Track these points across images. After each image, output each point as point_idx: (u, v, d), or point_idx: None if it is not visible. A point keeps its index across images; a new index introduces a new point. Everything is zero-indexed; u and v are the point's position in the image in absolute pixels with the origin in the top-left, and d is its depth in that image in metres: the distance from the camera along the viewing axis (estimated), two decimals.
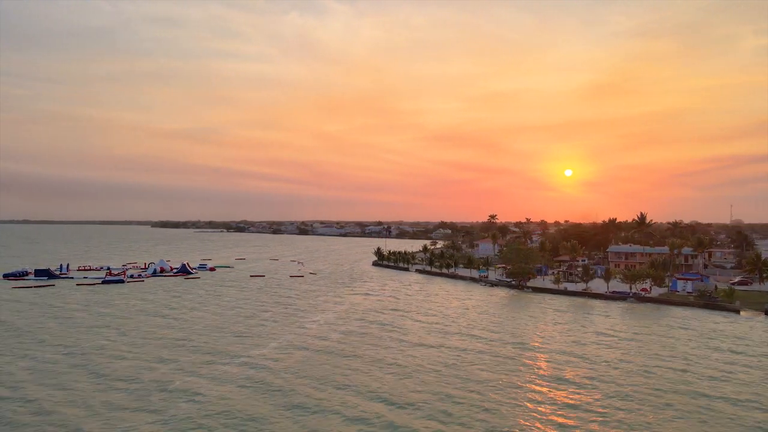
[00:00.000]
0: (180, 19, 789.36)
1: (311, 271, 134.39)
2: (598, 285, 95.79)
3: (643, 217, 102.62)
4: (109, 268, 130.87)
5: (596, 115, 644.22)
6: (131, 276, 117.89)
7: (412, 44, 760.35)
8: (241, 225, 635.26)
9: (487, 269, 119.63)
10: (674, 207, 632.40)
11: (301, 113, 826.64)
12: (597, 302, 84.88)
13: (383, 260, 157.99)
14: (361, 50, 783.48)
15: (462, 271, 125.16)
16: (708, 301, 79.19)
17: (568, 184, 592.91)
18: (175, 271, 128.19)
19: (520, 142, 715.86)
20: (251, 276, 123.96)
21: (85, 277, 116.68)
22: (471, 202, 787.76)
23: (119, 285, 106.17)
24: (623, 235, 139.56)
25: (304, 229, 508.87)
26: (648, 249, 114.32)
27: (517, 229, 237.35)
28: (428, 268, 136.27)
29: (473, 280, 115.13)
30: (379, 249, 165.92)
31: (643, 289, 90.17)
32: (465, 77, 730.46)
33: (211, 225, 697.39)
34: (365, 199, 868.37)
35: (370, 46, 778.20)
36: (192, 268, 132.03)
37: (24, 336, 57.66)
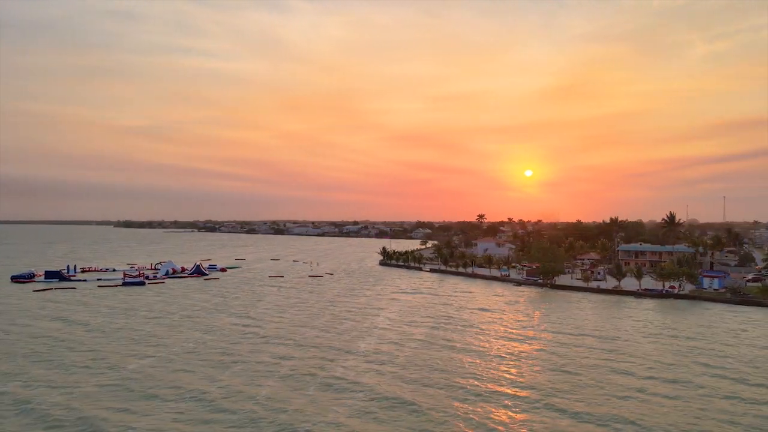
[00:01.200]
0: (138, 13, 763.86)
1: (327, 272, 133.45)
2: (625, 283, 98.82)
3: (672, 217, 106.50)
4: (121, 270, 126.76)
5: (556, 117, 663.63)
6: (148, 277, 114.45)
7: (376, 44, 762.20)
8: (210, 225, 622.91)
9: (509, 268, 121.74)
10: (628, 207, 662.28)
11: (265, 112, 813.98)
12: (636, 300, 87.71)
13: (390, 260, 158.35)
14: (326, 49, 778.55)
15: (480, 271, 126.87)
16: (743, 298, 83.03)
17: (528, 184, 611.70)
18: (189, 272, 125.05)
19: (481, 142, 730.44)
20: (270, 276, 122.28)
21: (99, 279, 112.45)
22: (433, 202, 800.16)
23: (141, 287, 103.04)
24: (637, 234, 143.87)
25: (278, 229, 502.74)
26: (666, 248, 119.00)
27: (508, 230, 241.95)
28: (443, 267, 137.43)
29: (495, 279, 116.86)
30: (384, 249, 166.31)
31: (672, 287, 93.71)
32: (428, 78, 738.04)
33: (178, 225, 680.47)
34: (329, 199, 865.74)
35: (334, 45, 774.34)
36: (205, 269, 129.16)
37: (132, 337, 56.34)
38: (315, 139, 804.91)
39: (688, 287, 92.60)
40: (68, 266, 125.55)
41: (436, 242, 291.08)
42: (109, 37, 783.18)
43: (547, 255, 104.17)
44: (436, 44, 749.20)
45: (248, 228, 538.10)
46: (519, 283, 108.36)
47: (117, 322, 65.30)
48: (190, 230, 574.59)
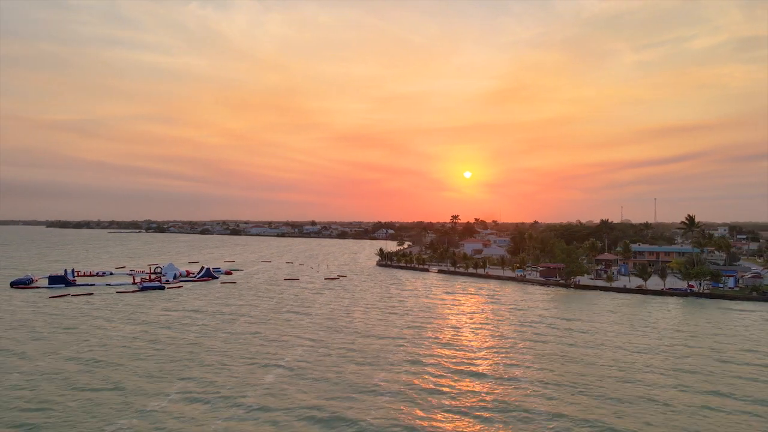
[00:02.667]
0: (69, 2, 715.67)
1: (339, 274, 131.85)
2: (631, 282, 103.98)
3: (692, 219, 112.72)
4: (120, 274, 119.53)
5: (496, 120, 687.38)
6: (168, 282, 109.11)
7: (319, 43, 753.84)
8: (155, 225, 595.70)
9: (524, 268, 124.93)
10: (563, 208, 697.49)
11: (204, 109, 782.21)
12: (667, 298, 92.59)
13: (390, 260, 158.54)
14: (268, 46, 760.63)
15: (492, 271, 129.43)
16: (765, 296, 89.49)
17: (468, 185, 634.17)
18: (199, 275, 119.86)
19: (424, 144, 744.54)
20: (285, 279, 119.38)
21: (108, 284, 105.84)
22: (376, 202, 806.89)
23: (161, 291, 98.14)
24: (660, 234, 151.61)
25: (234, 229, 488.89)
26: (675, 248, 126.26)
27: (486, 231, 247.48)
28: (451, 268, 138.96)
29: (512, 279, 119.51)
30: (381, 250, 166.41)
31: (690, 286, 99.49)
32: (371, 78, 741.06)
33: (120, 225, 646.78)
34: (274, 199, 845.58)
35: (276, 42, 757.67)
36: (213, 272, 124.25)
37: (260, 337, 53.57)
38: (257, 138, 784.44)
39: (699, 286, 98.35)
40: (66, 270, 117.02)
41: (409, 243, 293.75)
42: (36, 26, 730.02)
43: (571, 256, 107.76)
44: (381, 45, 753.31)
45: (201, 228, 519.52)
46: (542, 284, 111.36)
47: (213, 324, 62.40)
48: (137, 230, 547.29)
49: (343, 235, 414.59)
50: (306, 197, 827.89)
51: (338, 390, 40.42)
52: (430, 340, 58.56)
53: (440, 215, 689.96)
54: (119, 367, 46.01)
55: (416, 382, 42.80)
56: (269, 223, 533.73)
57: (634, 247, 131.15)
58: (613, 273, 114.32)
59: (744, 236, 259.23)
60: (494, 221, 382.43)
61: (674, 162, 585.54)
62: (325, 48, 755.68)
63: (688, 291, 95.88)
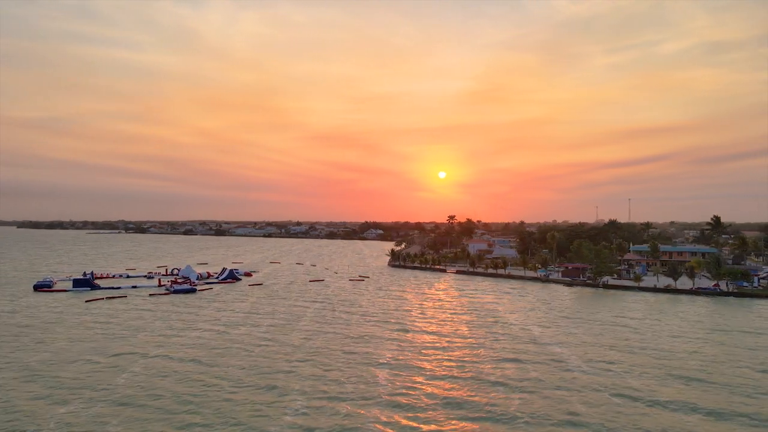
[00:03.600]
0: None
1: (362, 275, 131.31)
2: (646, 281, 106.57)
3: (717, 219, 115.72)
4: (138, 276, 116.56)
5: (471, 121, 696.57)
6: (195, 284, 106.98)
7: (295, 42, 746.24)
8: (131, 225, 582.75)
9: (546, 269, 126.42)
10: (537, 208, 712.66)
11: (178, 107, 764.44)
12: (696, 298, 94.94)
13: (405, 261, 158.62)
14: (243, 45, 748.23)
15: (513, 271, 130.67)
16: None
17: (443, 185, 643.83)
18: (222, 276, 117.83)
19: (400, 144, 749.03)
20: (310, 281, 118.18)
21: (134, 287, 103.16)
22: (353, 202, 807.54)
23: (192, 294, 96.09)
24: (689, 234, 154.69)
25: (219, 230, 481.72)
26: (699, 248, 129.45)
27: (479, 231, 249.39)
28: (470, 269, 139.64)
29: (536, 279, 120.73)
30: (393, 251, 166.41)
31: (715, 285, 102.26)
32: (348, 78, 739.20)
33: (95, 225, 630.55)
34: (248, 199, 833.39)
35: (251, 41, 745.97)
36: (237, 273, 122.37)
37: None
38: (233, 138, 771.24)
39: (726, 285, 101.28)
40: (84, 272, 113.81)
41: (405, 243, 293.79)
42: (3, 21, 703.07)
43: (600, 256, 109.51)
44: (357, 45, 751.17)
45: (184, 229, 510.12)
46: (568, 284, 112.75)
47: (281, 323, 61.39)
48: (116, 231, 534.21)
49: (331, 236, 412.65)
50: (282, 197, 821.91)
51: (468, 384, 40.57)
52: (524, 338, 58.77)
53: (416, 215, 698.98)
54: (259, 369, 44.95)
55: (538, 375, 42.98)
56: (254, 224, 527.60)
57: (662, 247, 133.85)
58: (637, 272, 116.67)
59: (727, 236, 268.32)
60: (479, 221, 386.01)
61: (646, 163, 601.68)
62: (300, 47, 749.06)
63: (718, 290, 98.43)
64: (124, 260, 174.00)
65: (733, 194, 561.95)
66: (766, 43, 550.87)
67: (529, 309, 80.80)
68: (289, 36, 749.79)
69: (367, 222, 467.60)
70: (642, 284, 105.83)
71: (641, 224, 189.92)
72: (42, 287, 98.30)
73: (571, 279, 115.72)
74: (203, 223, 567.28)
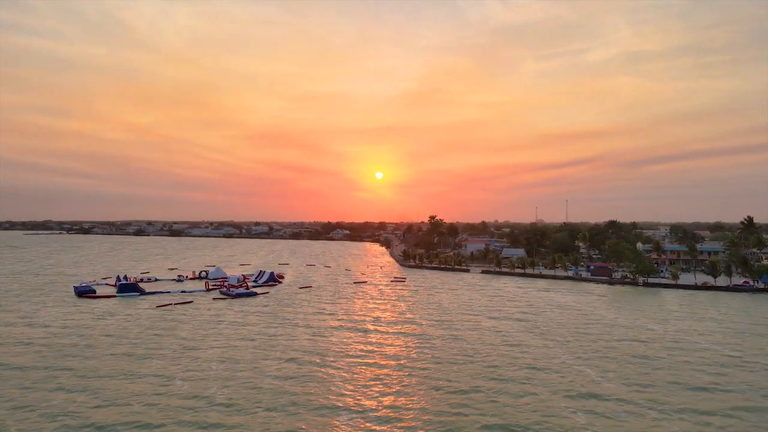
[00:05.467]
0: None
1: (397, 276, 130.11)
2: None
3: (750, 220, 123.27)
4: (166, 280, 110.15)
5: (410, 122, 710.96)
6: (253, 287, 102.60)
7: (232, 38, 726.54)
8: (67, 225, 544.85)
9: (577, 268, 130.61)
10: (472, 207, 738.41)
11: (106, 101, 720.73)
12: (735, 294, 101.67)
13: (422, 261, 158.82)
14: (176, 39, 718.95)
15: (543, 271, 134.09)
16: None
17: (380, 185, 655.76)
18: (263, 280, 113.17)
19: (338, 144, 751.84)
20: (355, 282, 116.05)
21: (182, 291, 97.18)
22: (291, 202, 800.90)
23: (254, 297, 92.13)
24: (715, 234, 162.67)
25: (174, 230, 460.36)
26: (705, 247, 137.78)
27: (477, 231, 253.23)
28: (496, 269, 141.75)
29: (570, 278, 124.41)
30: (405, 251, 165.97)
31: (745, 282, 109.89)
32: (286, 77, 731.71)
33: (25, 226, 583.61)
34: (183, 198, 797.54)
35: (185, 35, 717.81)
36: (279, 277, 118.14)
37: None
38: (167, 135, 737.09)
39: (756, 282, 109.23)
40: (118, 276, 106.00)
41: (384, 240, 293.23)
42: None
43: (639, 256, 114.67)
44: (296, 43, 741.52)
45: (134, 229, 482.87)
46: (611, 283, 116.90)
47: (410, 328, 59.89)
48: (56, 232, 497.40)
49: (296, 236, 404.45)
50: (218, 196, 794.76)
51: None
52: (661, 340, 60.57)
53: (354, 215, 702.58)
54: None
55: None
56: (210, 223, 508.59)
57: (668, 246, 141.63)
58: (661, 271, 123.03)
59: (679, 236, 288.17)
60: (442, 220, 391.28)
61: (575, 165, 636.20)
62: (237, 43, 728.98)
63: (753, 286, 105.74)
64: (111, 265, 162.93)
65: (654, 195, 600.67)
66: (680, 55, 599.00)
67: (634, 309, 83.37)
68: (224, 31, 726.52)
69: (329, 222, 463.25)
70: (679, 282, 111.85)
71: (630, 224, 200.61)
72: (86, 293, 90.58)
73: (610, 278, 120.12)
74: (150, 224, 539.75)
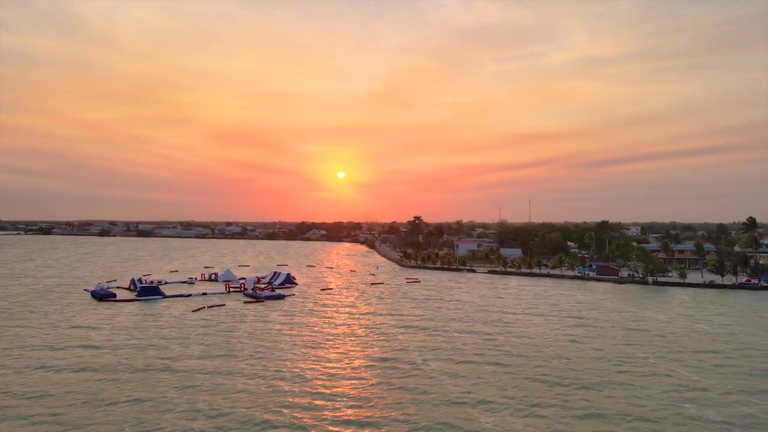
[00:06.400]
0: None
1: (410, 278, 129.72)
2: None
3: (753, 220, 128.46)
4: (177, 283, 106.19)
5: (372, 122, 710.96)
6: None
7: (191, 34, 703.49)
8: (22, 225, 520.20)
9: (585, 268, 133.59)
10: (433, 207, 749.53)
11: (55, 96, 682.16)
12: (741, 291, 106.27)
13: (425, 262, 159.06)
14: (132, 33, 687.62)
15: (549, 271, 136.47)
16: None
17: (342, 185, 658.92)
18: (279, 281, 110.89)
19: (300, 143, 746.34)
20: (372, 284, 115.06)
21: (204, 294, 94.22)
22: (253, 201, 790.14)
23: (281, 300, 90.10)
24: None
25: (143, 231, 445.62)
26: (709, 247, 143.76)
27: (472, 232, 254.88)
28: (502, 269, 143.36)
29: (577, 278, 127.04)
30: (406, 252, 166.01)
31: (747, 280, 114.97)
32: (248, 75, 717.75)
33: None
34: (140, 197, 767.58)
35: (142, 30, 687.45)
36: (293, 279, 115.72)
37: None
38: (123, 132, 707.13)
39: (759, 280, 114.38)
40: (132, 279, 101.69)
41: (364, 240, 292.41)
42: None
43: (648, 256, 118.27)
44: (257, 41, 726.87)
45: (98, 230, 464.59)
46: (619, 282, 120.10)
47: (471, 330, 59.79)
48: (13, 233, 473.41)
49: (272, 237, 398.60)
50: (178, 196, 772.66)
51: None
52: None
53: (319, 215, 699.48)
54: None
55: None
56: (180, 223, 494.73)
57: (676, 246, 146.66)
58: (669, 270, 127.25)
59: (655, 236, 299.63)
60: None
61: (534, 166, 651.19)
62: (197, 39, 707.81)
63: (757, 284, 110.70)
64: (108, 267, 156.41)
65: (615, 196, 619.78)
66: (634, 61, 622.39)
67: (677, 306, 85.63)
68: (184, 26, 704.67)
69: (304, 222, 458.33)
70: (686, 281, 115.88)
71: (616, 224, 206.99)
72: (106, 297, 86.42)
73: (617, 278, 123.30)
74: (113, 224, 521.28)
